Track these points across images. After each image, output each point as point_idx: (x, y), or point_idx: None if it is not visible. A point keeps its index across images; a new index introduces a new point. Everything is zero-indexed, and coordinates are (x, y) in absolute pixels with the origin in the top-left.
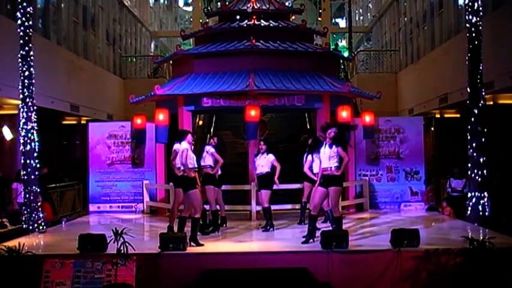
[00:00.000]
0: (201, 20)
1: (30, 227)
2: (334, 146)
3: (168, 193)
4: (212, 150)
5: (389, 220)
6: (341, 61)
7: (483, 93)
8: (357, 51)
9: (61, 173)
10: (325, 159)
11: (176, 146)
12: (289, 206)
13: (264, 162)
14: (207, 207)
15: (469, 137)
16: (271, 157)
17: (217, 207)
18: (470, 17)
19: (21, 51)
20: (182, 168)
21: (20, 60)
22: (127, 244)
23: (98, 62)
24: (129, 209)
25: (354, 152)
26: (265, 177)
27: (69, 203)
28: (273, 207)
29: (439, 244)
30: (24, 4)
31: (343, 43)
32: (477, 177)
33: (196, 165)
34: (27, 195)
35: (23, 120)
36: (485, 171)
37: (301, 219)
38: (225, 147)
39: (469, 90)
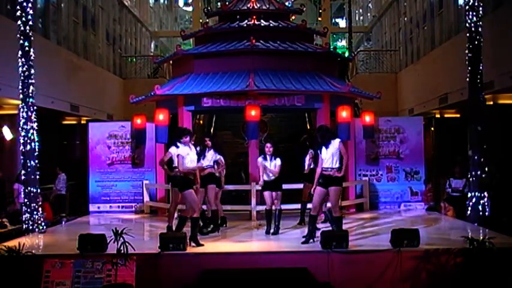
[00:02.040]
0: (201, 20)
1: (30, 227)
2: (334, 140)
3: (168, 193)
4: (219, 156)
5: (389, 220)
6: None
7: (483, 93)
8: (357, 51)
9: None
10: (327, 158)
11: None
12: (289, 206)
13: (274, 168)
14: (204, 207)
15: (469, 137)
16: (278, 161)
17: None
18: (470, 17)
19: (21, 51)
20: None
21: (20, 60)
22: (127, 244)
23: (98, 62)
24: (129, 209)
25: (354, 152)
26: (277, 181)
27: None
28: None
29: (439, 244)
30: (24, 4)
31: (343, 43)
32: (477, 177)
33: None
34: (27, 195)
35: (23, 120)
36: (485, 171)
37: (301, 220)
38: (220, 145)
39: (469, 90)
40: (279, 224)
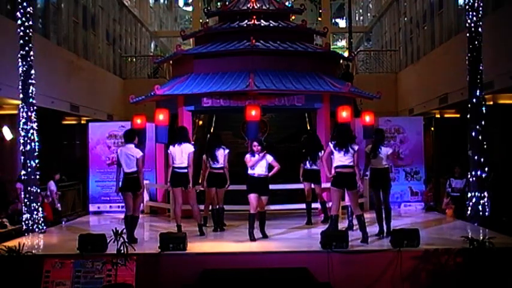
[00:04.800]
0: (201, 20)
1: (30, 227)
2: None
3: (168, 193)
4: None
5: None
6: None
7: (483, 93)
8: (357, 51)
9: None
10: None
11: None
12: (289, 206)
13: (263, 163)
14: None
15: (469, 137)
16: (269, 158)
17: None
18: (470, 17)
19: (21, 51)
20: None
21: (20, 60)
22: (127, 244)
23: (98, 62)
24: None
25: None
26: (264, 180)
27: (69, 203)
28: (273, 207)
29: (439, 244)
30: (24, 4)
31: (343, 43)
32: (477, 178)
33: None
34: (27, 195)
35: (23, 120)
36: (485, 171)
37: (309, 220)
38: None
39: (469, 90)
40: (264, 228)
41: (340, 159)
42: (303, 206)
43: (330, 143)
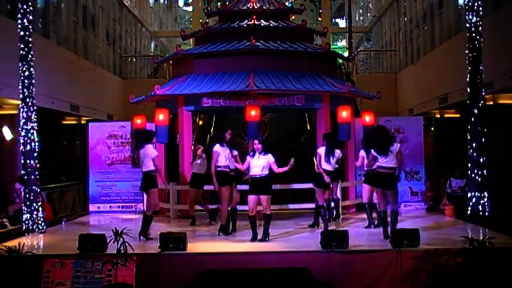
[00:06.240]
0: (201, 20)
1: (30, 227)
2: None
3: (168, 193)
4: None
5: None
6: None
7: (483, 93)
8: (357, 51)
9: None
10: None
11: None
12: (289, 206)
13: (263, 163)
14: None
15: (469, 137)
16: (271, 158)
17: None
18: (470, 17)
19: (21, 51)
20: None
21: (20, 60)
22: (127, 244)
23: (98, 62)
24: (129, 209)
25: (354, 152)
26: (265, 180)
27: (69, 203)
28: (273, 207)
29: (439, 244)
30: (24, 4)
31: (343, 43)
32: (477, 177)
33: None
34: (27, 195)
35: (23, 120)
36: (485, 171)
37: (315, 222)
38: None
39: (469, 90)
40: (267, 230)
41: (382, 161)
42: (303, 206)
43: (372, 150)
